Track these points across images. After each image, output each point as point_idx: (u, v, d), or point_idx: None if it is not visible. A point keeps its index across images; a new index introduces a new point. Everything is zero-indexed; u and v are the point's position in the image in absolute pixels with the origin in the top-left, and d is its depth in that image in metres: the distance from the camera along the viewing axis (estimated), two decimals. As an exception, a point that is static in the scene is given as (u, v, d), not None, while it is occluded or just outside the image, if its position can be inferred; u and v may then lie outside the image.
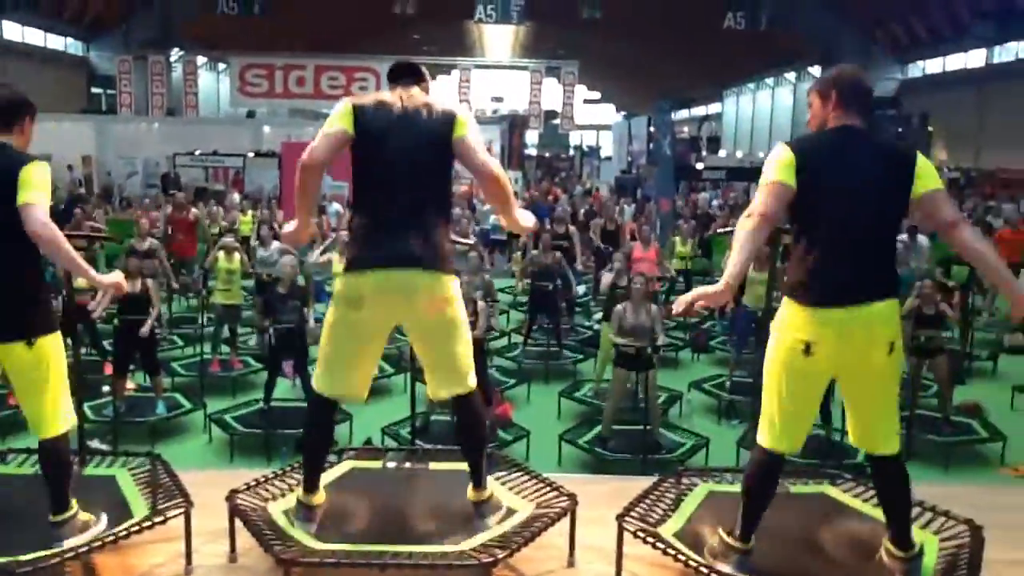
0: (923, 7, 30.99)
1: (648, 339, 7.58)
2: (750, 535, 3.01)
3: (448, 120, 3.06)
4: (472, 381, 3.17)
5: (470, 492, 3.27)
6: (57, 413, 3.06)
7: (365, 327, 3.09)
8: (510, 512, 3.29)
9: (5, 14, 29.92)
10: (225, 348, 9.98)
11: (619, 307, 7.91)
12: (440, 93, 3.28)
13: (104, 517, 3.18)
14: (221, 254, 9.99)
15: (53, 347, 3.05)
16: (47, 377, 3.03)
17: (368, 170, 3.07)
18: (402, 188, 3.02)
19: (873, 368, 2.85)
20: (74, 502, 3.13)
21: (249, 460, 7.35)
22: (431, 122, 3.06)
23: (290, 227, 3.29)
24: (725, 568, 2.96)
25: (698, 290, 2.81)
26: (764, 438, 3.01)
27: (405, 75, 3.19)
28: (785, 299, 2.92)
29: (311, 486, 3.22)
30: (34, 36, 32.67)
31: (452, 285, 3.08)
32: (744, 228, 2.81)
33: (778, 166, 2.85)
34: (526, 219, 3.32)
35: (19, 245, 2.92)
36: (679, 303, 2.81)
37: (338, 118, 3.06)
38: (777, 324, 2.94)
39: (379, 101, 3.10)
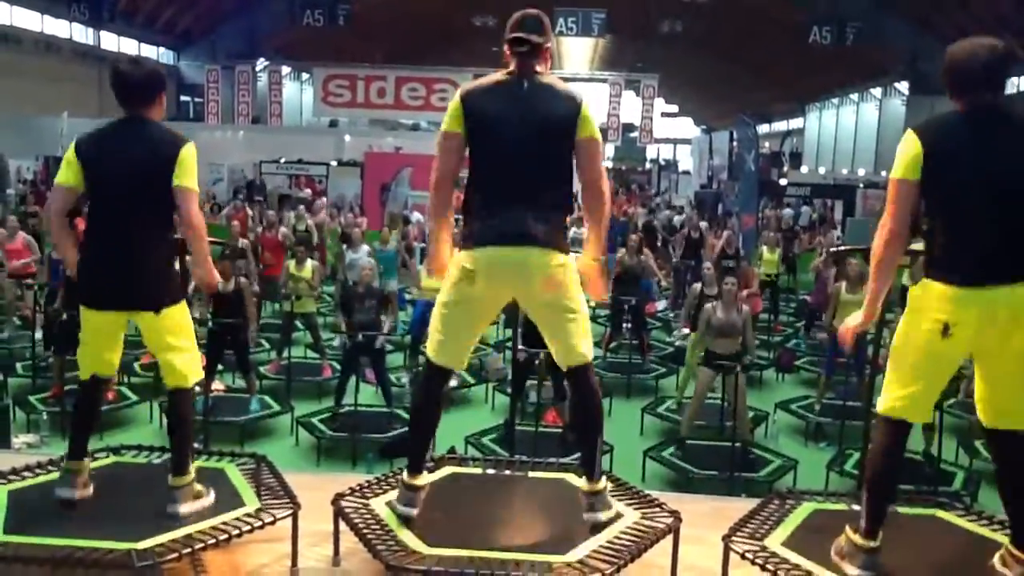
0: (1013, 21, 29.98)
1: (738, 336, 7.58)
2: (877, 531, 2.89)
3: (573, 107, 3.02)
4: (588, 352, 3.14)
5: (583, 483, 3.20)
6: (183, 369, 3.27)
7: (478, 302, 3.11)
8: (619, 515, 3.23)
9: (103, 25, 31.09)
10: (305, 352, 10.12)
11: (708, 305, 7.91)
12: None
13: (213, 493, 3.29)
14: (292, 263, 10.16)
15: (179, 314, 3.27)
16: (174, 339, 3.24)
17: (483, 150, 3.08)
18: (517, 168, 3.01)
19: (1014, 350, 2.73)
20: (193, 469, 3.26)
21: (335, 464, 7.46)
22: (552, 105, 3.03)
23: (424, 269, 3.40)
24: (852, 569, 2.87)
25: (846, 322, 3.08)
26: (890, 408, 2.88)
27: (522, 44, 3.07)
28: (922, 280, 2.81)
29: (416, 465, 3.23)
30: (129, 46, 33.96)
31: (566, 262, 3.05)
32: (879, 248, 2.82)
33: (903, 161, 2.79)
34: (600, 285, 3.31)
35: (160, 220, 3.18)
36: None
37: (447, 120, 3.10)
38: (913, 303, 2.82)
39: (495, 83, 3.10)
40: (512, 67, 3.11)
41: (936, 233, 2.79)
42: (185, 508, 3.16)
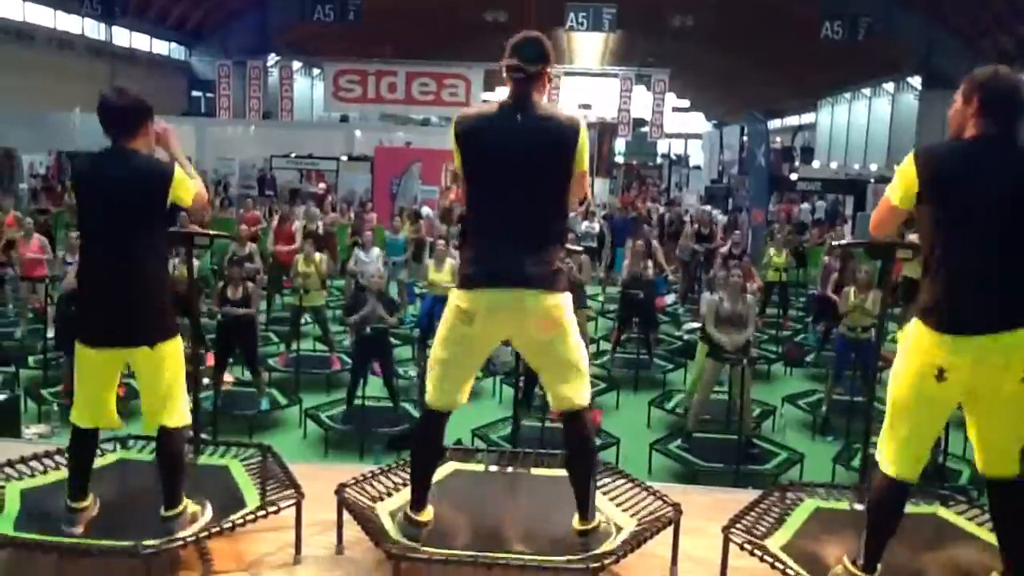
0: (1030, 15, 29.72)
1: (744, 327, 7.60)
2: (875, 565, 2.88)
3: (572, 134, 2.95)
4: (583, 398, 3.07)
5: (575, 521, 3.13)
6: (173, 408, 3.17)
7: (476, 342, 3.07)
8: (617, 530, 3.21)
9: (115, 21, 31.21)
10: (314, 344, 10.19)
11: (714, 296, 7.89)
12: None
13: (209, 508, 3.23)
14: (300, 258, 10.20)
15: (173, 351, 3.18)
16: (166, 377, 3.15)
17: (479, 185, 3.03)
18: (511, 205, 2.94)
19: (1003, 396, 2.69)
20: (185, 498, 3.18)
21: (343, 456, 7.51)
22: (552, 134, 2.94)
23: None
24: None
25: None
26: (889, 465, 2.83)
27: (518, 71, 2.98)
28: (915, 321, 2.76)
29: (420, 502, 3.18)
30: (140, 42, 34.11)
31: (563, 303, 2.99)
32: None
33: (898, 189, 2.78)
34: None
35: (149, 250, 3.08)
36: None
37: (453, 152, 3.04)
38: (907, 347, 2.78)
39: (490, 113, 3.03)
40: (508, 94, 3.03)
41: (928, 276, 2.75)
42: (185, 532, 3.10)
